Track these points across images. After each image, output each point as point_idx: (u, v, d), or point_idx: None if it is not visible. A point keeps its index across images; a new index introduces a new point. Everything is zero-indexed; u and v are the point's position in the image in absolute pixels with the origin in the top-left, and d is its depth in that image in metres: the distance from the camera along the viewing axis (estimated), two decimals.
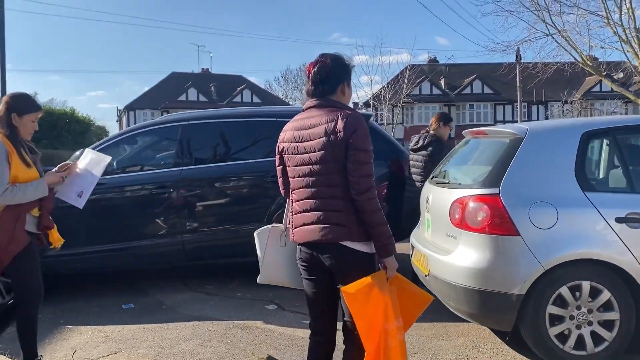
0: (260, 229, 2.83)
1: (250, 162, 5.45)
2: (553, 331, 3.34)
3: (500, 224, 3.40)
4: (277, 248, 2.75)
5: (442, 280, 3.67)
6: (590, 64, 18.38)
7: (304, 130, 2.39)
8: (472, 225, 3.51)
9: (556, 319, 3.37)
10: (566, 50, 17.95)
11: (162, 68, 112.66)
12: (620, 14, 16.84)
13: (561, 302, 3.36)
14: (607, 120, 3.77)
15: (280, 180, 2.61)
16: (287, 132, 2.49)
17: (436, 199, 4.09)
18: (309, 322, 2.64)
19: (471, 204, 3.53)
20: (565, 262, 3.30)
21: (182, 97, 45.43)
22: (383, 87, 36.71)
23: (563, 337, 3.36)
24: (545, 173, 3.47)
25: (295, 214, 2.46)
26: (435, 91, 45.01)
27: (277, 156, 2.56)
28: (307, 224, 2.39)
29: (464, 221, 3.56)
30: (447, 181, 4.07)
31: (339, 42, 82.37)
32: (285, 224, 2.70)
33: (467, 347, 3.80)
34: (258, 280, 2.83)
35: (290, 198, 2.52)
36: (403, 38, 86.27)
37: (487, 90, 43.88)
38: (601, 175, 3.63)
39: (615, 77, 20.93)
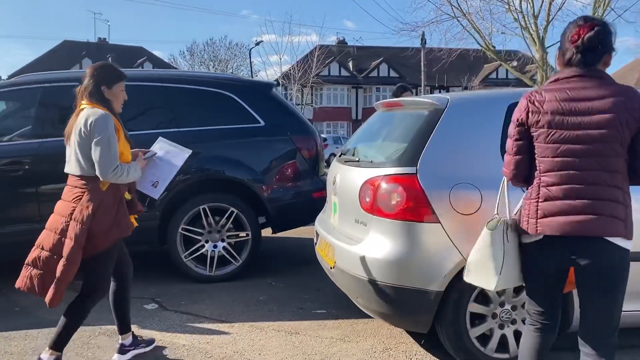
0: (491, 223, 2.30)
1: (139, 134, 4.60)
2: (474, 332, 2.92)
3: (416, 209, 2.90)
4: (505, 245, 2.27)
5: (349, 274, 3.14)
6: (492, 48, 18.87)
7: (578, 102, 2.04)
8: (384, 210, 2.99)
9: (477, 318, 2.95)
10: (470, 34, 18.28)
11: (54, 35, 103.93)
12: (520, 1, 17.33)
13: (483, 298, 2.94)
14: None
15: (515, 159, 2.22)
16: (547, 102, 2.09)
17: (344, 179, 3.53)
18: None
19: (384, 185, 3.00)
20: None
21: (76, 68, 41.94)
22: (292, 67, 36.10)
23: (485, 338, 2.95)
24: (468, 150, 3.01)
25: (548, 200, 2.10)
26: (344, 73, 45.04)
27: (517, 128, 2.18)
28: (572, 214, 2.05)
29: (376, 205, 3.03)
30: (356, 159, 3.52)
31: (249, 20, 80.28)
32: (508, 213, 2.31)
33: (376, 351, 3.30)
34: (494, 288, 2.29)
35: (537, 181, 2.15)
36: (312, 18, 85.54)
37: (393, 73, 44.51)
38: None
39: (510, 65, 21.70)
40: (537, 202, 2.14)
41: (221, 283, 4.61)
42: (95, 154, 2.74)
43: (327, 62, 40.73)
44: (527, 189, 2.26)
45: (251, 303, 4.17)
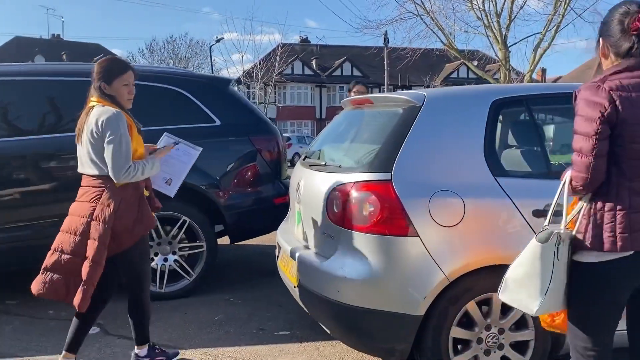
0: (542, 235, 1.89)
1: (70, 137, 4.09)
2: None
3: (392, 221, 2.53)
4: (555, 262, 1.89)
5: (315, 295, 2.75)
6: (455, 47, 18.80)
7: None
8: (355, 222, 2.61)
9: (461, 344, 2.61)
10: (433, 32, 18.16)
11: (5, 31, 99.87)
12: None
13: (468, 322, 2.60)
14: (520, 87, 3.06)
15: (595, 163, 1.78)
16: (633, 97, 1.75)
17: (309, 186, 3.14)
18: None
19: (354, 194, 2.62)
20: (475, 269, 2.53)
21: None
22: (255, 65, 35.50)
23: None
24: (449, 153, 2.65)
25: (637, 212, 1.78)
26: (308, 71, 44.66)
27: (601, 125, 1.75)
28: None
29: (345, 216, 2.65)
30: (322, 163, 3.13)
31: (210, 18, 78.96)
32: (563, 224, 1.90)
33: None
34: (536, 312, 1.89)
35: (624, 189, 1.80)
36: (275, 15, 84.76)
37: (356, 72, 44.33)
38: (515, 156, 2.92)
39: (469, 65, 21.74)
40: (626, 213, 1.79)
41: (172, 301, 4.14)
42: (107, 155, 2.67)
43: (290, 60, 40.34)
44: (586, 198, 1.89)
45: (205, 324, 3.73)
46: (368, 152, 2.85)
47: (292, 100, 44.12)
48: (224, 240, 4.70)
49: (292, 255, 3.06)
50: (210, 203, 4.31)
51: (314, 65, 45.25)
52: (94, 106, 2.76)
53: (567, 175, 1.88)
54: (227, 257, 5.58)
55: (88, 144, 2.73)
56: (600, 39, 1.89)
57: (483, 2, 17.49)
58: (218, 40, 34.09)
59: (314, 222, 2.96)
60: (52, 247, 2.77)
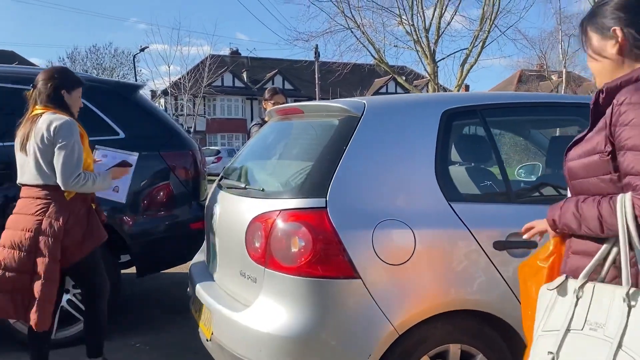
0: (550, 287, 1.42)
1: None
2: None
3: (327, 259, 2.02)
4: None
5: (230, 353, 2.18)
6: (385, 61, 18.81)
7: None
8: (281, 261, 2.07)
9: None
10: (364, 46, 18.07)
11: None
12: (412, 13, 17.43)
13: None
14: (473, 96, 2.66)
15: None
16: None
17: (226, 213, 2.57)
18: None
19: (280, 226, 2.09)
20: (429, 317, 2.06)
21: None
22: (183, 76, 34.32)
23: None
24: (394, 173, 2.18)
25: None
26: (238, 84, 43.85)
27: None
28: None
29: (269, 254, 2.11)
30: (242, 185, 2.57)
31: (136, 28, 76.37)
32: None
33: None
34: None
35: None
36: (204, 25, 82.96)
37: (287, 85, 43.95)
38: (472, 177, 2.49)
39: (399, 79, 21.85)
40: None
41: (65, 349, 3.41)
42: (57, 160, 2.59)
43: (220, 72, 39.43)
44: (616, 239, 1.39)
45: None
46: (297, 173, 2.33)
47: (223, 112, 43.18)
48: (133, 268, 4.01)
49: (205, 299, 2.48)
50: (113, 230, 3.62)
51: (245, 78, 44.52)
52: (40, 114, 2.68)
53: (624, 203, 1.27)
54: (136, 291, 4.85)
55: (36, 152, 2.62)
56: (622, 29, 1.41)
57: (412, 17, 17.62)
58: (142, 49, 32.65)
59: (231, 259, 2.40)
60: None
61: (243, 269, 2.28)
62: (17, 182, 2.75)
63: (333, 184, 2.08)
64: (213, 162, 22.55)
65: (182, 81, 33.98)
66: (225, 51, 46.09)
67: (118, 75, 42.77)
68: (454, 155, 2.57)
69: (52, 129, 2.60)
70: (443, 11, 17.57)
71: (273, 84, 44.36)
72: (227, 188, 2.68)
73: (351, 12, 17.76)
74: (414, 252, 2.06)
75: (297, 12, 69.49)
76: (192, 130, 32.39)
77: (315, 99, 33.22)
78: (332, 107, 2.38)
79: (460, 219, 2.15)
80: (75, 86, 2.81)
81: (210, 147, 29.73)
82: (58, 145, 2.59)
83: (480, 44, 17.67)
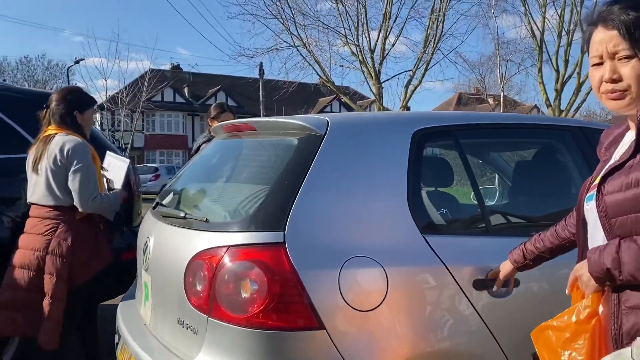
0: None
1: None
2: None
3: (285, 306, 1.67)
4: None
5: None
6: (332, 80, 18.75)
7: None
8: (229, 308, 1.71)
9: None
10: (310, 64, 17.94)
11: None
12: (357, 34, 17.50)
13: None
14: (446, 116, 2.41)
15: None
16: None
17: (161, 246, 2.18)
18: None
19: (228, 265, 1.73)
20: None
21: None
22: (121, 90, 33.06)
23: None
24: (362, 201, 1.88)
25: None
26: (179, 99, 42.78)
27: None
28: None
29: (214, 299, 1.74)
30: (181, 213, 2.18)
31: (72, 41, 73.51)
32: None
33: None
34: None
35: None
36: (143, 39, 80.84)
37: (231, 102, 43.22)
38: (447, 206, 2.23)
39: (344, 99, 21.85)
40: None
41: None
42: (74, 183, 2.65)
43: (160, 87, 38.34)
44: None
45: None
46: (249, 200, 1.98)
47: (162, 128, 41.96)
48: None
49: (134, 350, 2.06)
50: None
51: (186, 93, 43.53)
52: (53, 134, 2.72)
53: None
54: None
55: (47, 173, 2.66)
56: None
57: (357, 37, 17.67)
58: (77, 62, 31.27)
59: (167, 303, 2.01)
60: (4, 283, 2.67)
61: (181, 317, 1.89)
62: (27, 200, 2.79)
63: (292, 215, 1.75)
64: (150, 180, 21.67)
65: (119, 95, 32.72)
66: (166, 66, 45.00)
67: (51, 88, 40.81)
68: (427, 181, 2.30)
69: (65, 151, 2.66)
70: (388, 33, 17.74)
71: (216, 100, 43.58)
72: (163, 217, 2.28)
73: (297, 30, 17.64)
74: (386, 295, 1.75)
75: (241, 28, 68.92)
76: (128, 146, 31.18)
77: (259, 116, 32.79)
78: (291, 124, 2.05)
79: (437, 254, 1.87)
80: (88, 106, 2.89)
81: (148, 164, 28.72)
82: (73, 168, 2.66)
83: (424, 66, 17.95)
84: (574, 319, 1.24)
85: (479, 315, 1.88)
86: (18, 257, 2.72)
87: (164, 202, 2.48)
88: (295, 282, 1.67)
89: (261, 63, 25.52)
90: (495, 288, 1.86)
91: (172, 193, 2.55)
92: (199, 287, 1.80)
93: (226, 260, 1.74)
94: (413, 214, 1.90)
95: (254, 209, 1.86)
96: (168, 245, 2.10)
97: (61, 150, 2.67)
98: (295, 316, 1.67)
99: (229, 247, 1.76)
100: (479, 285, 1.89)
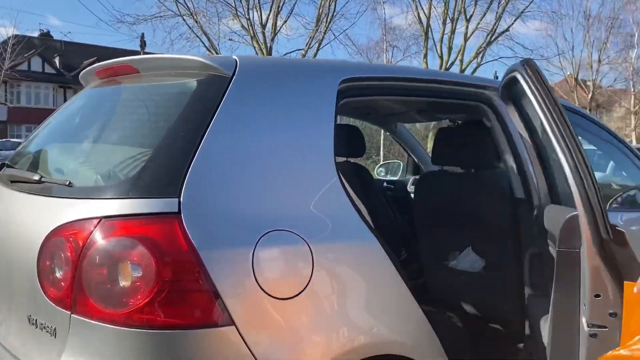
0: None
1: None
2: None
3: (181, 297, 1.26)
4: None
5: None
6: (220, 54, 17.91)
7: None
8: (101, 301, 1.26)
9: None
10: (197, 36, 16.97)
11: None
12: (248, 7, 16.86)
13: None
14: (376, 67, 2.07)
15: None
16: None
17: (7, 220, 1.63)
18: None
19: (101, 243, 1.27)
20: None
21: None
22: None
23: None
24: (282, 160, 1.49)
25: None
26: (49, 69, 38.96)
27: None
28: None
29: (80, 290, 1.27)
30: (35, 176, 1.62)
31: None
32: None
33: None
34: None
35: None
36: (7, 2, 72.44)
37: None
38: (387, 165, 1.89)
39: None
40: None
41: None
42: None
43: (26, 55, 34.60)
44: None
45: None
46: (130, 160, 1.50)
47: (29, 101, 38.13)
48: None
49: None
50: None
51: (57, 64, 39.76)
52: None
53: None
54: None
55: None
56: None
57: (248, 11, 17.00)
58: None
59: (15, 296, 1.49)
60: None
61: (34, 314, 1.39)
62: None
63: (190, 177, 1.32)
64: None
65: None
66: (34, 32, 40.68)
67: None
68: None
69: None
70: (280, 8, 17.27)
71: None
72: (12, 182, 1.72)
73: None
74: (311, 278, 1.39)
75: None
76: None
77: None
78: (187, 61, 1.59)
79: (371, 228, 1.54)
80: None
81: (12, 140, 25.98)
82: None
83: (316, 45, 17.76)
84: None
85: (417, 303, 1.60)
86: None
87: (14, 163, 1.89)
88: (194, 264, 1.25)
89: (142, 34, 23.82)
90: None
91: (25, 155, 1.97)
92: (58, 274, 1.31)
93: (97, 236, 1.27)
94: (341, 177, 1.55)
95: (137, 170, 1.39)
96: (15, 218, 1.56)
97: None
98: (193, 309, 1.26)
99: (101, 218, 1.29)
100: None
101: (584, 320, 1.40)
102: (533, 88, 1.52)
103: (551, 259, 1.77)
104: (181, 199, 1.29)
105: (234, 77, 1.50)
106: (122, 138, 1.68)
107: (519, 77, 1.60)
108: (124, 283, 1.25)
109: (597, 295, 1.34)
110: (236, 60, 1.56)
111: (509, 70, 1.74)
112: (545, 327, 1.68)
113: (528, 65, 1.58)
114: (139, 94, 1.81)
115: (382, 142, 14.56)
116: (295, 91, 1.60)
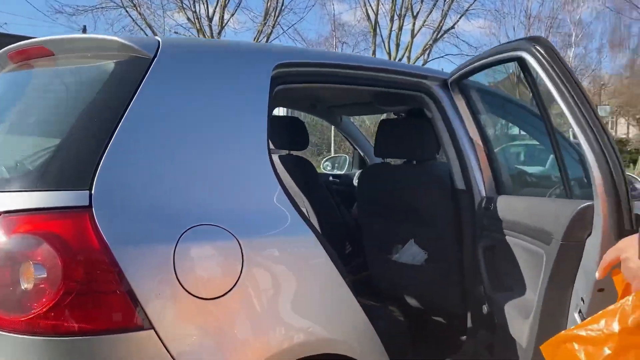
0: None
1: None
2: None
3: (93, 301, 1.13)
4: None
5: None
6: None
7: None
8: (1, 308, 1.12)
9: None
10: (140, 28, 16.45)
11: None
12: (194, 1, 16.48)
13: None
14: (310, 53, 1.98)
15: None
16: None
17: None
18: None
19: (4, 241, 1.13)
20: None
21: None
22: None
23: None
24: (208, 149, 1.38)
25: None
26: None
27: None
28: None
29: None
30: None
31: None
32: None
33: None
34: None
35: None
36: None
37: None
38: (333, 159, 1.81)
39: None
40: None
41: None
42: None
43: None
44: None
45: None
46: (39, 149, 1.36)
47: None
48: None
49: None
50: None
51: None
52: None
53: None
54: None
55: None
56: None
57: (194, 3, 16.61)
58: None
59: None
60: None
61: None
62: None
63: (103, 167, 1.19)
64: None
65: None
66: None
67: None
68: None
69: None
70: (227, 1, 16.94)
71: None
72: None
73: None
74: (240, 276, 1.29)
75: None
76: None
77: None
78: (105, 41, 1.45)
79: (307, 222, 1.46)
80: None
81: None
82: None
83: (265, 39, 17.51)
84: (616, 326, 0.84)
85: (355, 296, 1.52)
86: None
87: None
88: (107, 263, 1.13)
89: (85, 26, 22.90)
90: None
91: None
92: None
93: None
94: (275, 168, 1.46)
95: (43, 160, 1.25)
96: None
97: None
98: (107, 313, 1.14)
99: (1, 213, 1.15)
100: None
101: (576, 315, 1.34)
102: (549, 69, 1.37)
103: (508, 250, 1.73)
104: (92, 192, 1.16)
105: (156, 58, 1.38)
106: (33, 126, 1.52)
107: (527, 57, 1.46)
108: (26, 285, 1.11)
109: (601, 290, 1.27)
110: (159, 41, 1.43)
111: (505, 49, 1.60)
112: (517, 322, 1.62)
113: (539, 43, 1.41)
114: (54, 77, 1.65)
115: (332, 138, 14.55)
116: (225, 75, 1.49)
